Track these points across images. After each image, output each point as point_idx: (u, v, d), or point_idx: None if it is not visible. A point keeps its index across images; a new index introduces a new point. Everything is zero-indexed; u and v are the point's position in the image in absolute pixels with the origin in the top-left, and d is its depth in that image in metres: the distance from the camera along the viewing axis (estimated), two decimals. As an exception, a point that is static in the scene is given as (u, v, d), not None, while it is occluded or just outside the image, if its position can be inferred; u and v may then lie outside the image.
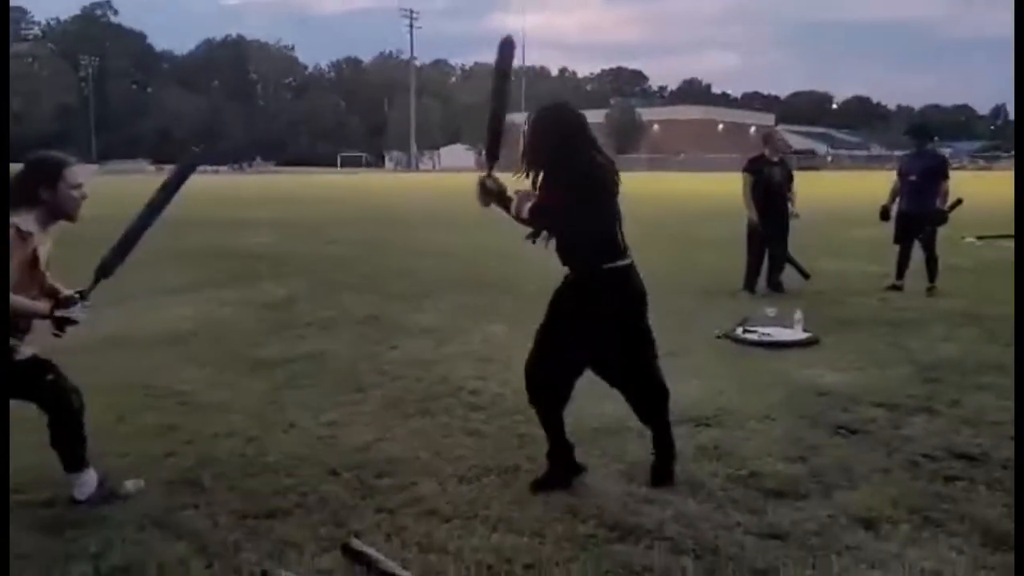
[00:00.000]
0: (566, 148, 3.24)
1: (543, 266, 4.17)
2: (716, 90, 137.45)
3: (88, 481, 3.26)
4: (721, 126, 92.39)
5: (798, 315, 6.26)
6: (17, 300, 3.03)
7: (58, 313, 3.08)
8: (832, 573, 2.74)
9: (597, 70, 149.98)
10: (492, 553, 2.85)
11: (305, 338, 6.13)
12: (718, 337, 6.20)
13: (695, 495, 3.35)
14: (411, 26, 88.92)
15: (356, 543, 2.85)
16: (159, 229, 3.29)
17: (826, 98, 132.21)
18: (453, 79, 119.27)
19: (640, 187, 22.03)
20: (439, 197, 28.04)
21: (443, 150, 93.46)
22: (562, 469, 3.46)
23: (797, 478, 3.51)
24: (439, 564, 2.79)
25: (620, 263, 3.30)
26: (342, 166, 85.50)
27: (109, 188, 31.45)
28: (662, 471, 3.49)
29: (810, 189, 22.57)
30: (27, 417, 3.22)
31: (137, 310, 7.23)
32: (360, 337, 6.27)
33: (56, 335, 3.13)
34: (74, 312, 3.11)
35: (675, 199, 25.82)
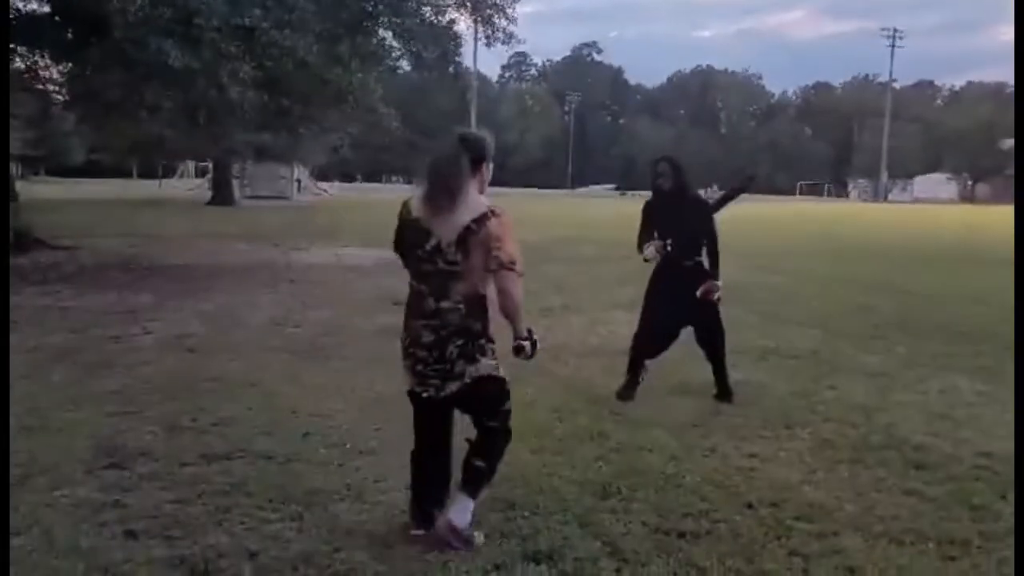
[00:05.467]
0: None
1: None
2: None
3: (471, 509, 3.01)
4: None
5: None
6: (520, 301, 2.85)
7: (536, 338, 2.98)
8: None
9: None
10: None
11: (737, 366, 6.04)
12: None
13: None
14: (892, 46, 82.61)
15: (763, 584, 2.73)
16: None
17: None
18: (938, 101, 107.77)
19: None
20: (909, 230, 25.57)
21: (918, 179, 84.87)
22: None
23: None
24: (853, 629, 2.53)
25: None
26: (801, 194, 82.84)
27: (574, 210, 34.67)
28: None
29: None
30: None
31: (589, 322, 7.87)
32: (796, 372, 5.99)
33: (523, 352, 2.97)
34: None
35: None
